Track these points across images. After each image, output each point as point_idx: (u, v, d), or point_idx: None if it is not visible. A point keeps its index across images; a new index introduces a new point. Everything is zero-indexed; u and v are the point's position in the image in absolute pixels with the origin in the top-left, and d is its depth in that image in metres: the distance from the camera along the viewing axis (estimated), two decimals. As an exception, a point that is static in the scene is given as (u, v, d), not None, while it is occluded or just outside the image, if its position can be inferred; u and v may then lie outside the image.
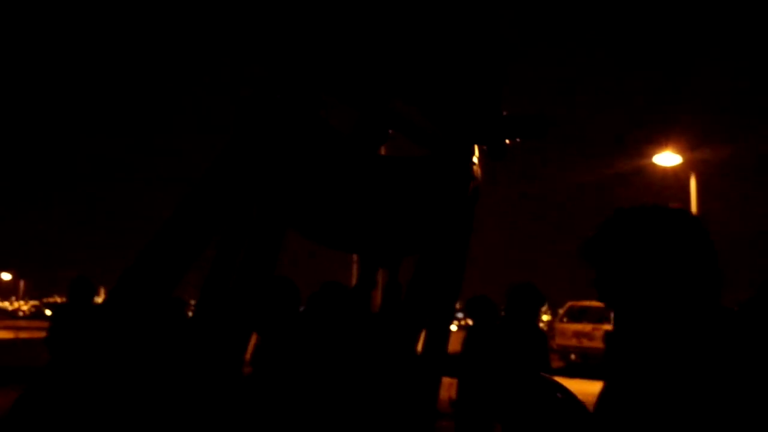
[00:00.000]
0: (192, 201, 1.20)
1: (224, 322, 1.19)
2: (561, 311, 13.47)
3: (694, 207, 11.72)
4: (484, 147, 1.30)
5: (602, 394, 1.00)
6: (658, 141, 13.32)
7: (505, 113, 1.27)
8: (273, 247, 1.20)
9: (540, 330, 3.33)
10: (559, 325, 12.81)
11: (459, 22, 1.18)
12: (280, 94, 1.15)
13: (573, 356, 12.12)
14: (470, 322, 3.70)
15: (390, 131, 1.31)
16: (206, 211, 1.19)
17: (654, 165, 12.75)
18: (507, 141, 1.29)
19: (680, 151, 12.43)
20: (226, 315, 1.19)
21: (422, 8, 1.20)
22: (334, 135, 1.25)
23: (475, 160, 1.28)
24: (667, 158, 12.40)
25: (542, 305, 3.31)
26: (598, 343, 11.16)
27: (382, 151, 1.45)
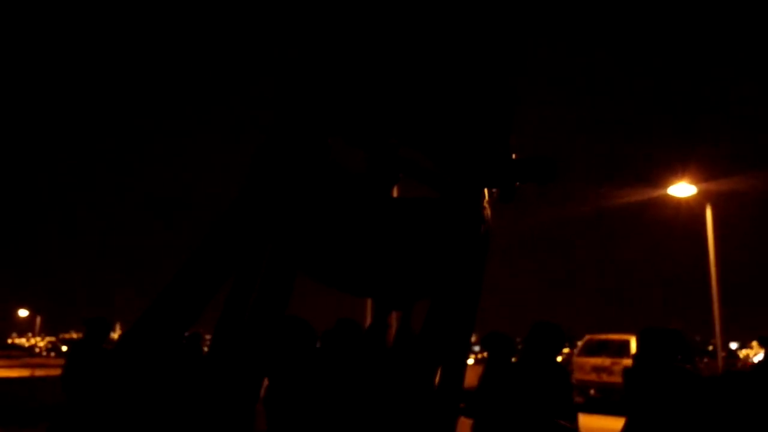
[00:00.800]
0: (208, 244, 1.22)
1: (237, 362, 1.20)
2: (580, 344, 13.32)
3: (710, 238, 11.63)
4: (495, 190, 1.31)
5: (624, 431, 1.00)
6: (673, 172, 13.29)
7: (515, 156, 1.29)
8: (284, 289, 1.21)
9: (563, 369, 3.28)
10: (577, 360, 12.66)
11: (466, 71, 1.20)
12: (293, 139, 1.18)
13: (592, 391, 11.95)
14: (486, 355, 3.67)
15: (401, 174, 1.33)
16: (222, 253, 1.21)
17: (669, 196, 12.71)
18: (517, 184, 1.30)
19: (695, 182, 12.39)
20: (238, 355, 1.20)
21: (431, 58, 1.22)
22: (346, 178, 1.27)
23: (485, 203, 1.29)
24: (682, 189, 12.36)
25: (564, 345, 3.28)
26: (618, 378, 11.00)
27: (396, 193, 1.47)
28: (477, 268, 1.32)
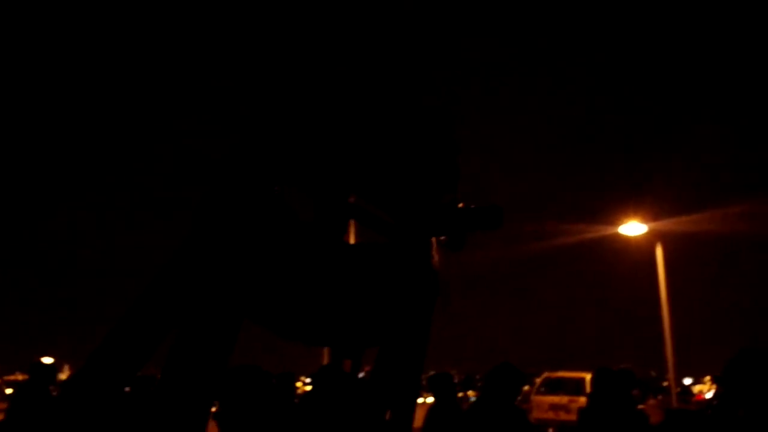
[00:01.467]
0: (152, 291, 1.21)
1: (180, 410, 1.19)
2: (537, 381, 13.36)
3: (661, 278, 11.87)
4: (443, 238, 1.34)
5: None
6: (624, 210, 13.57)
7: (461, 205, 1.32)
8: (227, 339, 1.21)
9: (520, 410, 3.29)
10: (535, 398, 12.69)
11: (411, 122, 1.23)
12: (239, 187, 1.19)
13: (551, 430, 11.97)
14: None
15: (351, 221, 1.35)
16: (166, 300, 1.20)
17: (621, 234, 12.96)
18: (463, 232, 1.33)
19: (646, 221, 12.66)
20: (182, 404, 1.19)
21: (376, 112, 1.26)
22: (294, 224, 1.28)
23: (434, 251, 1.32)
24: (633, 228, 12.61)
25: (522, 385, 3.29)
26: (575, 416, 11.02)
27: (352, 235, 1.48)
28: (425, 313, 1.34)
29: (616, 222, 12.77)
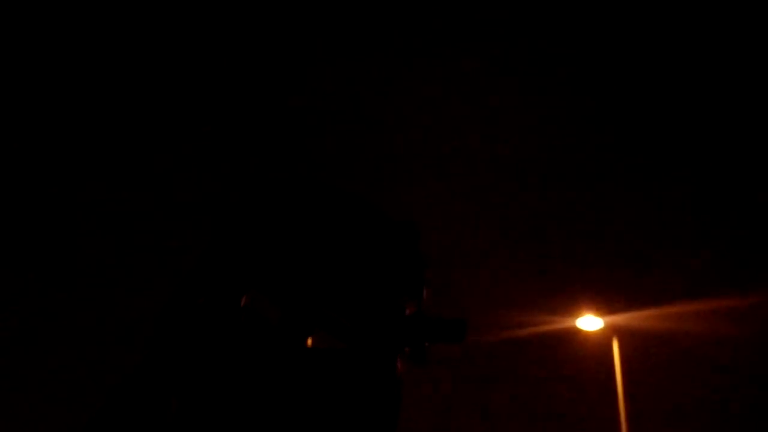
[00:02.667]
0: (112, 402, 1.18)
1: None
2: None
3: (618, 373, 11.87)
4: (406, 349, 1.34)
5: None
6: (581, 304, 13.65)
7: (425, 317, 1.33)
8: None
9: None
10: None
11: (378, 235, 1.26)
12: (201, 297, 1.18)
13: None
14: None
15: (315, 328, 1.34)
16: (125, 412, 1.17)
17: (577, 328, 12.98)
18: (426, 344, 1.34)
19: (602, 315, 12.72)
20: None
21: (343, 223, 1.28)
22: (258, 330, 1.27)
23: (397, 361, 1.32)
24: (589, 322, 12.65)
25: None
26: None
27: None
28: (389, 418, 1.33)
29: (573, 315, 12.80)
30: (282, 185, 1.36)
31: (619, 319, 12.98)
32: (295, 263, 1.30)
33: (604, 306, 13.17)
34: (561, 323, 13.72)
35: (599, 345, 12.93)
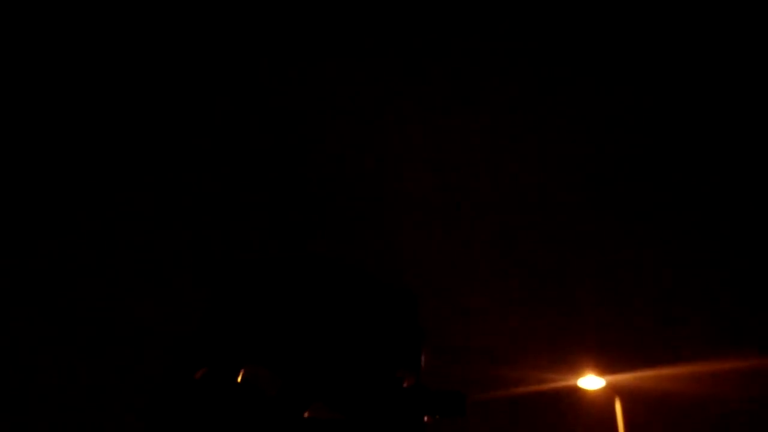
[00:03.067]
0: None
1: None
2: None
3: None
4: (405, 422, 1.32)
5: None
6: (583, 362, 13.51)
7: (423, 389, 1.31)
8: None
9: None
10: None
11: (375, 304, 1.25)
12: (198, 370, 1.17)
13: None
14: None
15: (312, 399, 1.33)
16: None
17: (579, 387, 12.82)
18: (426, 418, 1.32)
19: (604, 374, 12.58)
20: None
21: (340, 291, 1.28)
22: (256, 401, 1.25)
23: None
24: (591, 381, 12.51)
25: None
26: None
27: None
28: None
29: (576, 373, 12.66)
30: (279, 256, 1.37)
31: (621, 378, 12.84)
32: (293, 335, 1.29)
33: (606, 366, 13.04)
34: (563, 382, 13.56)
35: (601, 404, 12.75)
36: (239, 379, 1.24)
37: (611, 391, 12.42)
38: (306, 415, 1.36)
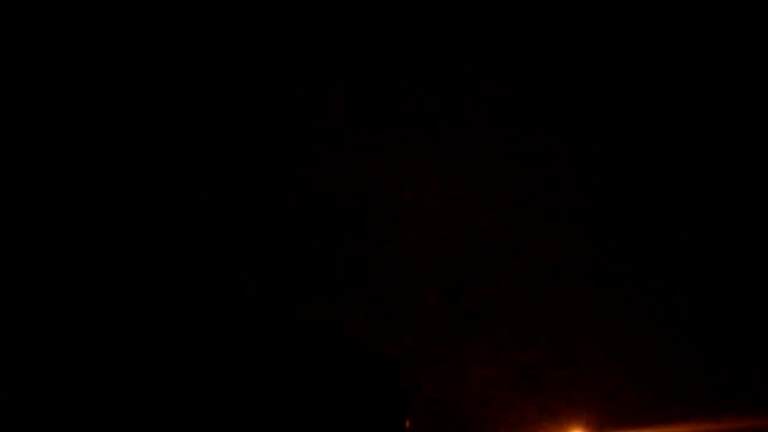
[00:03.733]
0: None
1: None
2: None
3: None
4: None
5: None
6: (570, 419, 13.12)
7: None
8: None
9: None
10: None
11: (361, 372, 1.04)
12: None
13: None
14: None
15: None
16: None
17: (567, 445, 12.40)
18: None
19: (592, 431, 12.19)
20: None
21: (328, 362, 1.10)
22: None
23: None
24: (579, 439, 12.11)
25: None
26: None
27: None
28: None
29: (562, 429, 12.23)
30: (266, 321, 1.34)
31: (609, 437, 12.43)
32: (278, 401, 1.17)
33: (593, 422, 12.67)
34: (549, 438, 13.11)
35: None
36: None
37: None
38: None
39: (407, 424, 1.17)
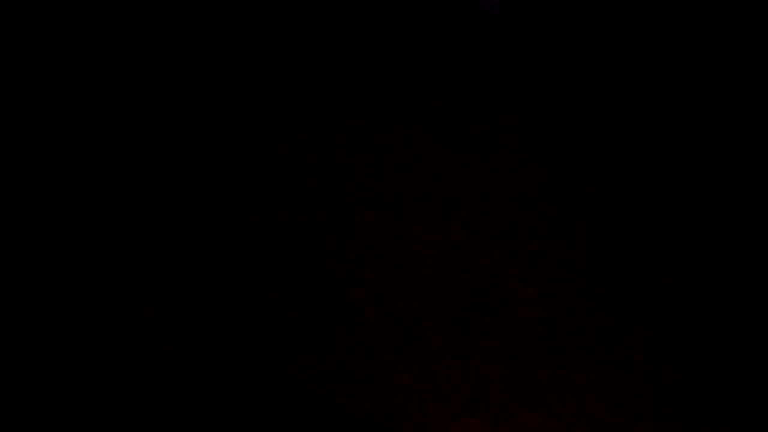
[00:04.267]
0: None
1: None
2: None
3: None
4: None
5: None
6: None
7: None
8: None
9: None
10: None
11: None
12: None
13: None
14: None
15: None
16: None
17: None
18: None
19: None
20: None
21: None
22: None
23: None
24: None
25: None
26: None
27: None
28: None
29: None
30: (252, 384, 1.41)
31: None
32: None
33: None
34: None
35: None
36: None
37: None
38: None
39: None
